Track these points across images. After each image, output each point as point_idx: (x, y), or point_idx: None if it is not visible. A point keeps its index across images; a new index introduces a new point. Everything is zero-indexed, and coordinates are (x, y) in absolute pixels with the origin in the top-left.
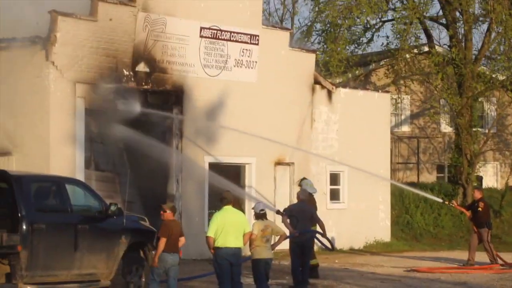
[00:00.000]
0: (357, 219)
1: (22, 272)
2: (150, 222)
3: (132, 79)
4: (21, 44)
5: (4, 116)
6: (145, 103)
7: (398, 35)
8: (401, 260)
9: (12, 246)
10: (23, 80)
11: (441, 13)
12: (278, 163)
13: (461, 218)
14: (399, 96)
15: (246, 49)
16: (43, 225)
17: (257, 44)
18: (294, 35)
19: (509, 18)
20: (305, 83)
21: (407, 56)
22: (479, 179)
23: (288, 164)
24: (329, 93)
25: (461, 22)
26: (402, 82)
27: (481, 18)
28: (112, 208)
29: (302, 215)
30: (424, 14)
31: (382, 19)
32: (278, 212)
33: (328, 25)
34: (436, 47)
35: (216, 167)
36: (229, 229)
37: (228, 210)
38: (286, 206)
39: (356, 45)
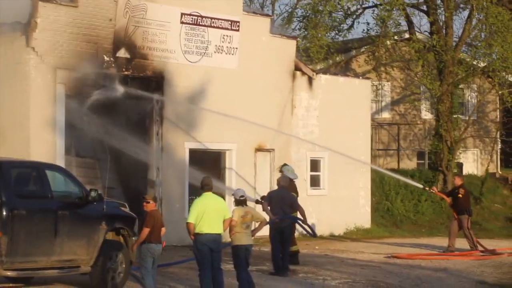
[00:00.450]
0: (337, 205)
1: (2, 258)
2: (130, 208)
3: (113, 65)
4: (0, 29)
5: None
6: (125, 89)
7: (380, 21)
8: (381, 247)
9: None
10: (3, 66)
11: None
12: (259, 149)
13: (441, 205)
14: (380, 82)
15: (227, 35)
16: (23, 211)
17: (238, 30)
18: (275, 22)
19: (490, 5)
20: (285, 69)
21: (388, 43)
22: (459, 165)
23: (268, 150)
24: (310, 80)
25: (442, 8)
26: (382, 69)
27: (462, 5)
28: (93, 194)
29: (282, 202)
30: (406, 0)
31: (363, 6)
32: (257, 201)
33: (309, 12)
34: (417, 33)
35: (196, 153)
36: (210, 215)
37: (208, 196)
38: (266, 193)
39: (336, 32)
